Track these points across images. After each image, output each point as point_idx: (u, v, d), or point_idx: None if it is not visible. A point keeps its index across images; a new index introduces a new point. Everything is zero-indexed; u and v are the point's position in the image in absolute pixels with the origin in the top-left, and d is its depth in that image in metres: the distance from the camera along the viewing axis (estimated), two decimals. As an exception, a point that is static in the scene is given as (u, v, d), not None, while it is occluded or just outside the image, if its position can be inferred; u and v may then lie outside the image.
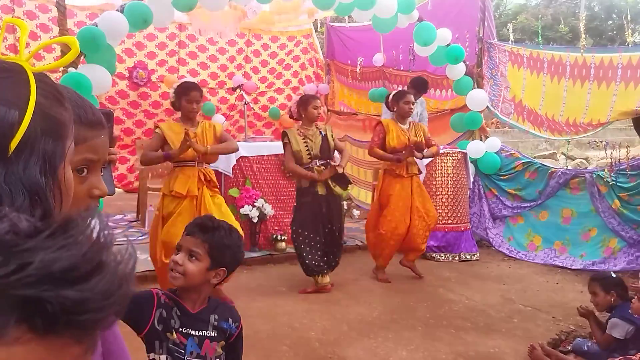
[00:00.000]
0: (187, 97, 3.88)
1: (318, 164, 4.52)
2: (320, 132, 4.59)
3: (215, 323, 1.75)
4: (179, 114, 4.12)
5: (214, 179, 4.06)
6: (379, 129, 4.99)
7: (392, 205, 4.95)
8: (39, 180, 0.64)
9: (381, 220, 5.01)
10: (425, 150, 4.96)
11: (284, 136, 4.61)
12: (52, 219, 0.40)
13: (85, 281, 0.38)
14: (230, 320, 1.80)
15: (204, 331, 1.73)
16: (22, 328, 0.36)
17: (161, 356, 1.68)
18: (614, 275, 3.50)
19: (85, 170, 0.83)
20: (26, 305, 0.35)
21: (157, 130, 3.96)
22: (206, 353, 1.71)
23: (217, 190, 4.08)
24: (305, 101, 4.63)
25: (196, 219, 1.86)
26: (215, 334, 1.74)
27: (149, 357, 1.70)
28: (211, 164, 4.15)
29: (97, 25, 4.27)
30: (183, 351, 1.68)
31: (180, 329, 1.70)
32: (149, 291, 1.74)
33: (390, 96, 5.08)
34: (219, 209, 3.90)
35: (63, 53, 3.96)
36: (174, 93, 3.98)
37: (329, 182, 4.50)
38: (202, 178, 3.92)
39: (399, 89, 5.22)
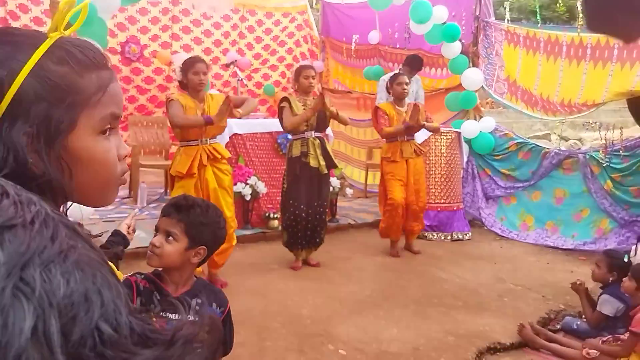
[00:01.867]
0: (193, 69, 3.89)
1: (313, 136, 4.52)
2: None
3: (197, 307, 1.70)
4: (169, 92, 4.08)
5: (222, 151, 4.05)
6: (381, 112, 5.05)
7: (391, 182, 5.03)
8: (19, 141, 0.63)
9: (387, 202, 5.10)
10: (425, 124, 5.00)
11: (283, 100, 4.57)
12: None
13: None
14: (214, 304, 1.75)
15: (180, 316, 1.67)
16: None
17: None
18: (626, 259, 3.38)
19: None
20: None
21: (173, 100, 3.90)
22: None
23: (223, 166, 4.05)
24: (297, 71, 4.63)
25: (171, 199, 1.80)
26: (197, 319, 1.70)
27: None
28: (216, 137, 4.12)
29: (88, -2, 4.19)
30: None
31: (161, 314, 1.64)
32: (127, 281, 1.68)
33: (389, 78, 5.16)
34: (223, 188, 3.98)
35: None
36: (180, 71, 3.98)
37: (319, 156, 4.49)
38: (207, 156, 3.91)
39: (395, 72, 5.23)
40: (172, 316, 1.66)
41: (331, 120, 4.68)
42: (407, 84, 5.03)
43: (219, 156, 4.00)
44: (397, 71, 5.16)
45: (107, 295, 0.35)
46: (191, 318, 1.43)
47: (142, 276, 1.72)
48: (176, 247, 1.68)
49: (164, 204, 1.78)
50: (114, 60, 7.60)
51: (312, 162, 4.47)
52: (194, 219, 1.70)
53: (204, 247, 1.73)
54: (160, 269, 1.75)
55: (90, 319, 0.33)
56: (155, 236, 1.72)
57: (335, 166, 4.78)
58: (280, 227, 4.88)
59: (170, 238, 1.69)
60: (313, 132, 4.52)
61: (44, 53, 0.67)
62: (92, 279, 0.34)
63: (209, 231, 1.73)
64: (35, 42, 0.67)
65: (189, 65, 3.93)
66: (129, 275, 1.71)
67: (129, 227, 1.91)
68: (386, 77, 6.56)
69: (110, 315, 0.34)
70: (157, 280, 1.72)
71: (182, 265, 1.72)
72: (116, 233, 1.84)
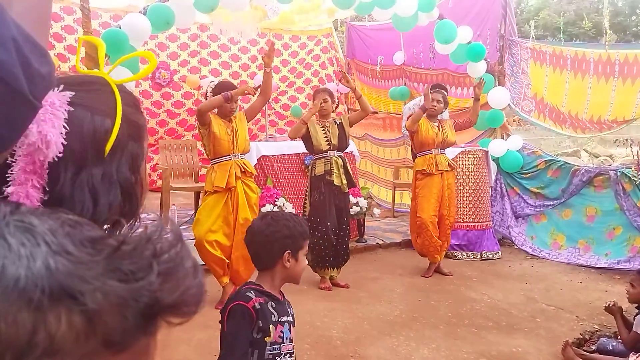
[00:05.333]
0: None
1: (336, 155, 4.61)
2: (335, 122, 4.70)
3: (289, 309, 1.87)
4: None
5: (251, 168, 4.29)
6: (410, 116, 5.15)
7: (424, 198, 5.05)
8: (129, 177, 0.76)
9: (417, 220, 5.11)
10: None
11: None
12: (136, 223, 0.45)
13: (183, 285, 0.42)
14: (291, 306, 1.92)
15: (289, 316, 1.84)
16: (144, 334, 0.41)
17: None
18: None
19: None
20: (146, 312, 0.39)
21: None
22: (292, 337, 1.82)
23: (252, 183, 4.29)
24: (313, 95, 4.80)
25: (298, 220, 1.90)
26: (293, 319, 1.85)
27: None
28: (245, 154, 4.35)
29: (120, 27, 4.34)
30: (279, 344, 1.75)
31: (279, 320, 1.78)
32: (242, 309, 1.73)
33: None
34: (250, 206, 4.19)
35: (87, 55, 4.04)
36: (211, 92, 4.16)
37: (341, 175, 4.59)
38: (239, 169, 4.13)
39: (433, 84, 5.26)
40: (284, 318, 1.78)
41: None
42: (438, 102, 5.05)
43: (249, 171, 4.23)
44: (433, 87, 5.18)
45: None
46: (291, 319, 1.72)
47: (253, 294, 1.77)
48: None
49: (302, 227, 1.87)
50: (145, 85, 7.80)
51: (336, 181, 4.54)
52: None
53: None
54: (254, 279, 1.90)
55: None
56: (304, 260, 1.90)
57: (355, 185, 4.87)
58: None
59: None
60: (335, 151, 4.60)
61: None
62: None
63: None
64: (109, 88, 0.76)
65: (221, 91, 4.10)
66: (242, 302, 1.74)
67: None
68: (411, 104, 6.61)
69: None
70: (264, 289, 1.82)
71: None
72: None
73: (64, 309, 0.35)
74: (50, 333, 0.35)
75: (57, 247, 0.37)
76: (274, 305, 1.78)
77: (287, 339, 1.77)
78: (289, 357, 1.77)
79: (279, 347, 1.74)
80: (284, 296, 1.88)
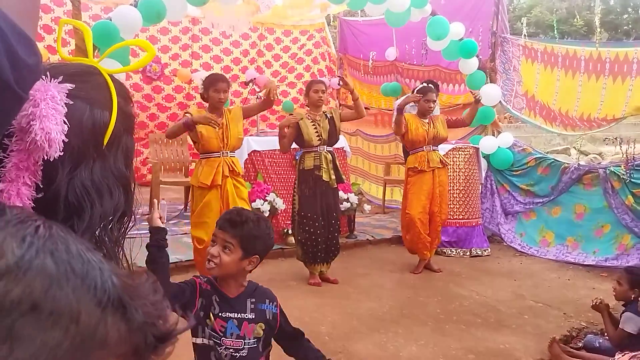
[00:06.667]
0: (214, 87, 4.09)
1: (325, 150, 4.59)
2: (326, 115, 4.68)
3: (252, 306, 1.90)
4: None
5: (239, 167, 4.25)
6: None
7: (414, 195, 5.06)
8: (125, 172, 0.73)
9: (405, 216, 5.12)
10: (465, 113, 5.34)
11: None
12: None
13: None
14: (267, 301, 1.96)
15: (242, 314, 1.87)
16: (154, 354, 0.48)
17: (204, 339, 1.84)
18: None
19: None
20: (161, 336, 0.47)
21: (187, 114, 4.14)
22: (245, 333, 1.85)
23: (241, 180, 4.27)
24: (307, 86, 4.77)
25: (225, 213, 1.96)
26: (254, 316, 1.89)
27: (193, 340, 1.86)
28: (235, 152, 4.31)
29: (111, 20, 4.30)
30: (221, 335, 1.83)
31: (220, 314, 1.85)
32: (192, 280, 1.91)
33: (416, 89, 5.17)
34: (241, 199, 4.15)
35: (77, 47, 4.01)
36: (202, 85, 4.19)
37: (330, 169, 4.58)
38: (227, 168, 4.11)
39: (424, 83, 5.23)
40: (231, 315, 1.84)
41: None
42: (434, 101, 5.04)
43: (237, 170, 4.19)
44: (425, 85, 5.14)
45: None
46: (248, 316, 1.70)
47: (205, 279, 1.93)
48: (232, 258, 1.85)
49: (220, 218, 1.94)
50: (136, 78, 7.75)
51: (325, 176, 4.53)
52: (247, 233, 1.86)
53: (257, 256, 1.90)
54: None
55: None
56: (212, 246, 1.88)
57: (343, 181, 4.87)
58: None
59: (227, 249, 1.85)
60: (325, 146, 4.59)
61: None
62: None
63: (261, 242, 1.91)
64: (102, 78, 0.73)
65: (211, 82, 4.11)
66: (194, 276, 1.95)
67: (160, 218, 2.06)
68: (399, 100, 6.59)
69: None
70: (216, 284, 1.91)
71: (238, 273, 1.90)
72: (153, 230, 1.99)
73: (118, 315, 0.44)
74: (106, 330, 0.42)
75: (111, 268, 0.46)
76: (217, 299, 1.87)
77: (231, 334, 1.84)
78: (232, 352, 1.83)
79: (219, 339, 1.83)
80: (243, 295, 1.92)
